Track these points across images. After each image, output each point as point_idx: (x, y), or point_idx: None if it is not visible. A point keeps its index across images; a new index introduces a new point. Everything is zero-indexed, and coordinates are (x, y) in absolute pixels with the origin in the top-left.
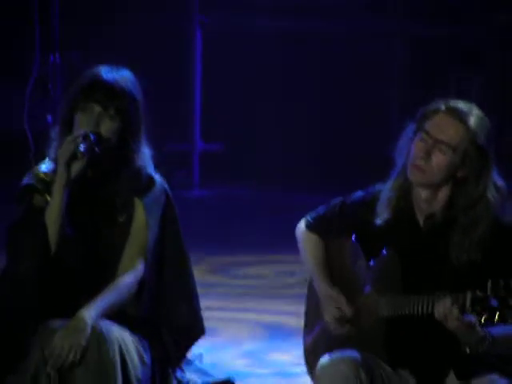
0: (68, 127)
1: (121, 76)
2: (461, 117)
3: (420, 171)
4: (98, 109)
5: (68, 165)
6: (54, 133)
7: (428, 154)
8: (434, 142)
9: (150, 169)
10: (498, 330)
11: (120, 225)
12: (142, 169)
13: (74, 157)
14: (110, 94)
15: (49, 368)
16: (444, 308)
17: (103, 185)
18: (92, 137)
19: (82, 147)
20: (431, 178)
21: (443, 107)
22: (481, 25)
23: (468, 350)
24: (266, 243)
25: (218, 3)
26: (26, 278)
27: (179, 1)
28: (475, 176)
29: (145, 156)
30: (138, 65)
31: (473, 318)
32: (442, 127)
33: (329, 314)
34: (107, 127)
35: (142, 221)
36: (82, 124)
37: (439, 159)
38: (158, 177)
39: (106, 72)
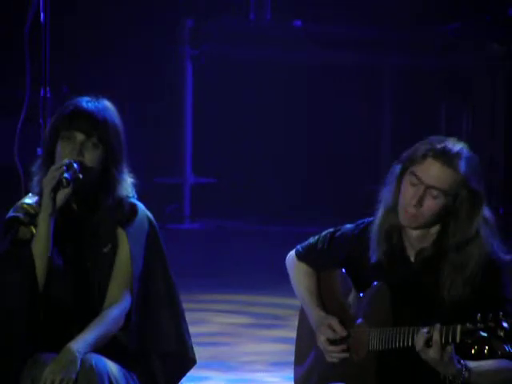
0: (51, 157)
1: (102, 105)
2: (450, 162)
3: (413, 217)
4: (80, 137)
5: (54, 194)
6: (36, 166)
7: (420, 202)
8: (425, 188)
9: (133, 197)
10: (476, 364)
11: (104, 255)
12: (124, 198)
13: (59, 185)
14: (93, 122)
15: None
16: (422, 338)
17: (87, 215)
18: (75, 165)
19: (67, 175)
20: (424, 222)
21: (431, 153)
22: (470, 55)
23: (448, 381)
24: (257, 279)
25: (208, 36)
26: (13, 313)
27: (169, 35)
28: (466, 215)
29: (127, 184)
30: (129, 99)
31: (449, 353)
32: (431, 173)
33: (322, 336)
34: (90, 155)
35: (126, 251)
36: (65, 153)
37: (431, 204)
38: (140, 205)
39: (87, 101)
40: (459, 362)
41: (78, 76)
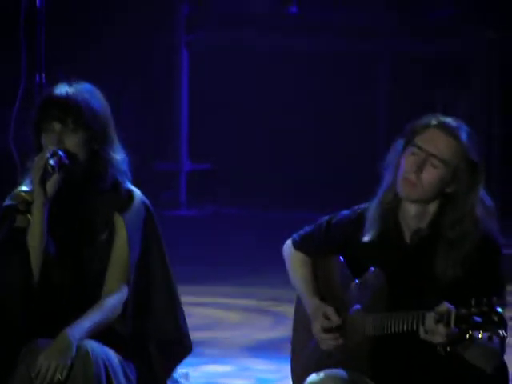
0: (38, 150)
1: (74, 89)
2: (452, 132)
3: (411, 185)
4: (57, 126)
5: (43, 183)
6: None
7: (420, 168)
8: (426, 156)
9: (129, 183)
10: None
11: (101, 243)
12: (120, 183)
13: (46, 173)
14: (64, 108)
15: None
16: (429, 326)
17: (81, 202)
18: (60, 152)
19: (51, 161)
20: (422, 193)
21: (434, 122)
22: (468, 42)
23: (443, 352)
24: (252, 265)
25: (205, 21)
26: (9, 300)
27: (165, 20)
28: (465, 192)
29: (119, 164)
30: (125, 85)
31: (457, 331)
32: (434, 141)
33: (317, 325)
34: (71, 142)
35: (123, 238)
36: (48, 144)
37: (430, 173)
38: (136, 191)
39: (59, 88)
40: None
41: (74, 62)
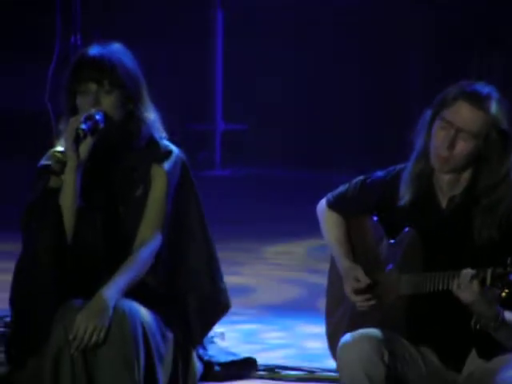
0: (73, 114)
1: (107, 50)
2: (480, 103)
3: (445, 161)
4: (93, 87)
5: (76, 146)
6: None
7: (451, 144)
8: (456, 131)
9: (166, 141)
10: (509, 316)
11: (136, 200)
12: (156, 140)
13: (78, 137)
14: (99, 68)
15: (72, 350)
16: (464, 280)
17: (116, 162)
18: (97, 116)
19: (84, 126)
20: (455, 165)
21: (462, 94)
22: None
23: (478, 327)
24: (290, 226)
25: None
26: (43, 259)
27: None
28: (498, 157)
29: (155, 126)
30: (159, 46)
31: (497, 291)
32: (462, 115)
33: (348, 287)
34: (107, 102)
35: (160, 188)
36: (84, 106)
37: (462, 147)
38: (173, 147)
39: (92, 49)
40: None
41: (109, 23)
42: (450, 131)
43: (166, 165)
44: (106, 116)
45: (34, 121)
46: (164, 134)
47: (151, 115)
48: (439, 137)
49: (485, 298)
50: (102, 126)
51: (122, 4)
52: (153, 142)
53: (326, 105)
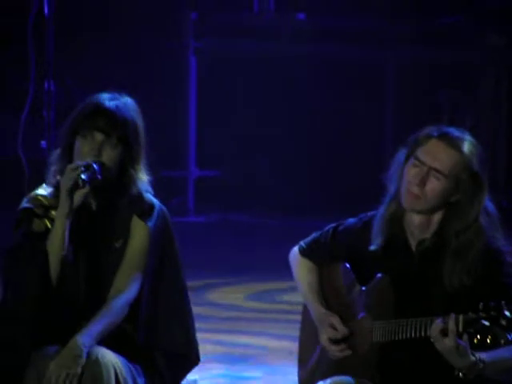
0: (68, 152)
1: (123, 103)
2: (453, 143)
3: (415, 198)
4: (100, 137)
5: (71, 194)
6: (52, 157)
7: (422, 181)
8: (428, 170)
9: (150, 194)
10: (489, 355)
11: (116, 250)
12: (142, 194)
13: (76, 186)
14: (113, 122)
15: None
16: (436, 329)
17: (102, 212)
18: (95, 166)
19: (84, 176)
20: (425, 204)
21: (435, 133)
22: (471, 48)
23: (461, 375)
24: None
25: (212, 29)
26: (24, 304)
27: (173, 28)
28: (468, 201)
29: (143, 183)
30: (133, 92)
31: (464, 343)
32: (435, 154)
33: (323, 335)
34: (109, 156)
35: (138, 241)
36: (84, 151)
37: (433, 185)
38: (156, 201)
39: (109, 100)
40: (473, 354)
41: (82, 69)
42: (423, 169)
43: (149, 221)
44: (103, 168)
45: (5, 166)
46: (149, 188)
47: (144, 177)
48: (410, 173)
49: (457, 349)
50: (99, 177)
51: (94, 49)
52: (139, 196)
53: (299, 152)
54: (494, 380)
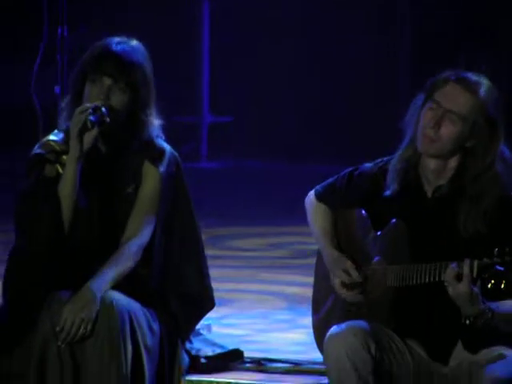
0: (78, 97)
1: (131, 48)
2: (470, 87)
3: (430, 141)
4: (108, 81)
5: (80, 136)
6: (64, 103)
7: (437, 124)
8: (444, 112)
9: (161, 139)
10: (499, 305)
11: (128, 195)
12: (154, 139)
13: (85, 128)
14: (120, 66)
15: (59, 342)
16: (450, 273)
17: (114, 157)
18: (103, 109)
19: (92, 117)
20: (440, 148)
21: (453, 77)
22: None
23: (468, 322)
24: (271, 215)
25: None
26: (37, 250)
27: None
28: (483, 147)
29: (154, 127)
30: (146, 37)
31: (477, 290)
32: (451, 97)
33: (336, 279)
34: (118, 100)
35: (150, 187)
36: (93, 95)
37: (448, 129)
38: (167, 146)
39: (116, 44)
40: (483, 301)
41: (96, 15)
42: (438, 112)
43: (161, 166)
44: (112, 112)
45: (19, 111)
46: (162, 137)
47: (155, 121)
48: (426, 117)
49: (470, 295)
50: (107, 120)
51: None
52: (151, 142)
53: (316, 96)
54: (504, 332)
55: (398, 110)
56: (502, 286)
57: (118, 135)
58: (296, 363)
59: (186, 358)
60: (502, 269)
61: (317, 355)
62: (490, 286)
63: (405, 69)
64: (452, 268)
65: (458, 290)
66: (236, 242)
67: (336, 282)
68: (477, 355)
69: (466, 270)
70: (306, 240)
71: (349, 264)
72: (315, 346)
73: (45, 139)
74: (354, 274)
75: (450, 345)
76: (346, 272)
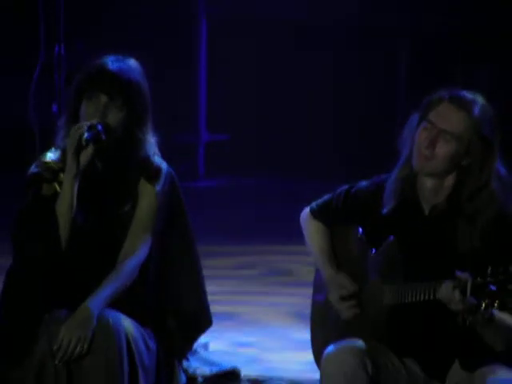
0: (75, 115)
1: (127, 66)
2: (465, 106)
3: (425, 160)
4: (104, 99)
5: (77, 154)
6: (61, 121)
7: (432, 144)
8: (438, 132)
9: (158, 157)
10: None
11: (125, 214)
12: (150, 156)
13: (80, 146)
14: (117, 84)
15: (56, 361)
16: (447, 292)
17: (110, 175)
18: (99, 126)
19: (87, 135)
20: (436, 167)
21: (447, 96)
22: (490, 16)
23: (467, 323)
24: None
25: None
26: (34, 268)
27: None
28: (479, 165)
29: (151, 145)
30: (143, 55)
31: (474, 300)
32: (445, 116)
33: (334, 295)
34: (114, 117)
35: (152, 208)
36: (89, 113)
37: (443, 149)
38: (164, 164)
39: (113, 62)
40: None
41: (93, 33)
42: (432, 131)
43: (157, 185)
44: (108, 130)
45: (16, 131)
46: (158, 155)
47: (151, 138)
48: (421, 136)
49: (469, 306)
50: (103, 137)
51: (107, 14)
52: (147, 160)
53: (312, 114)
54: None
55: (395, 127)
56: (495, 305)
57: (115, 153)
58: (293, 383)
59: (183, 378)
60: (495, 288)
61: (314, 375)
62: (483, 306)
63: (402, 87)
64: (445, 287)
65: (455, 306)
66: (229, 260)
67: (334, 297)
68: (475, 373)
69: (457, 293)
70: (300, 259)
71: (345, 279)
72: (314, 365)
73: (41, 158)
74: (350, 286)
75: (446, 364)
76: (342, 286)
